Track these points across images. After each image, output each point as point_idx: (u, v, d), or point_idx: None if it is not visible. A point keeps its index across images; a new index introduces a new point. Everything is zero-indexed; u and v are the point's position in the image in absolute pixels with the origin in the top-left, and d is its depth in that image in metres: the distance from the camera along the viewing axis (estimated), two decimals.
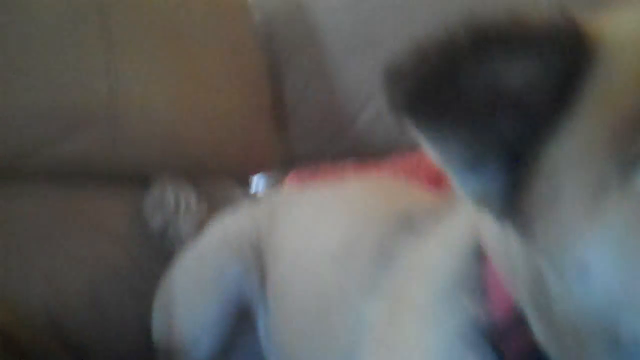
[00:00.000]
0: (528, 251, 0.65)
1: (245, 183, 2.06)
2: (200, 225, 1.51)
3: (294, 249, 1.23)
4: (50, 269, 1.47)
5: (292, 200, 1.39)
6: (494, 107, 0.58)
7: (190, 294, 1.32)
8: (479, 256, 0.76)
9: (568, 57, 0.57)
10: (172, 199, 1.60)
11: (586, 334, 0.61)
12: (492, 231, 0.72)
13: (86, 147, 1.58)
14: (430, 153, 0.60)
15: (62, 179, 1.58)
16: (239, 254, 1.28)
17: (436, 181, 1.38)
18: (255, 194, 2.08)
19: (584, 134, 0.56)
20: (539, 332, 0.67)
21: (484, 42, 0.56)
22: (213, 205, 1.62)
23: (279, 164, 2.13)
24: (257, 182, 2.17)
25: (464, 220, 0.86)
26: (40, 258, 1.47)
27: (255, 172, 2.10)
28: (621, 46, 0.57)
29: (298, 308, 1.15)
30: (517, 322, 0.69)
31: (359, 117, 2.18)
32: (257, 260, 1.27)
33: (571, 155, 0.57)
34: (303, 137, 2.21)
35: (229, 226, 1.39)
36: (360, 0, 2.21)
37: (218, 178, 1.85)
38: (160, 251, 1.57)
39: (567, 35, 0.57)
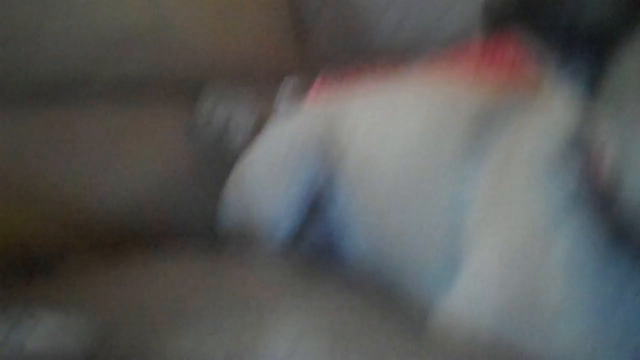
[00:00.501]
0: (615, 124, 0.79)
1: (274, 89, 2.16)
2: (258, 124, 1.68)
3: (371, 135, 1.38)
4: (121, 177, 1.63)
5: (351, 94, 1.54)
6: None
7: (266, 189, 1.48)
8: (581, 126, 0.90)
9: None
10: (229, 101, 1.75)
11: None
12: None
13: (139, 67, 1.72)
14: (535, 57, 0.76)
15: (122, 99, 1.71)
16: (308, 149, 1.44)
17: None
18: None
19: None
20: (628, 194, 0.80)
21: None
22: (262, 116, 1.75)
23: (304, 68, 2.20)
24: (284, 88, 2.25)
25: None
26: (117, 167, 1.63)
27: (283, 76, 2.18)
28: None
29: (385, 188, 1.30)
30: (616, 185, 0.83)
31: (382, 17, 2.22)
32: (327, 149, 1.42)
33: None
34: (326, 47, 2.30)
35: (293, 126, 1.54)
36: None
37: (261, 85, 1.97)
38: (217, 156, 1.72)
39: None
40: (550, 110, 1.00)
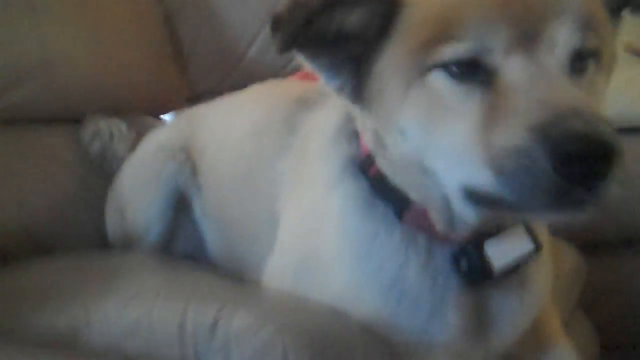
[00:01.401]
0: (370, 120, 1.04)
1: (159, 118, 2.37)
2: (132, 147, 1.83)
3: (217, 137, 1.57)
4: (19, 193, 1.75)
5: (207, 107, 1.74)
6: (344, 40, 0.95)
7: (137, 192, 1.63)
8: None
9: (384, 6, 0.94)
10: (106, 129, 1.92)
11: (406, 165, 0.99)
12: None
13: (29, 96, 1.87)
14: (308, 67, 0.99)
15: (15, 124, 1.87)
16: (171, 154, 1.60)
17: None
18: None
19: (399, 52, 0.94)
20: (383, 164, 1.06)
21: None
22: (140, 133, 1.92)
23: (184, 101, 2.44)
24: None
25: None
26: (10, 186, 1.75)
27: (165, 110, 2.39)
28: (415, 4, 0.94)
29: (227, 179, 1.49)
30: (372, 158, 1.08)
31: (247, 53, 2.55)
32: (186, 156, 1.60)
33: (392, 63, 0.95)
34: (203, 75, 2.55)
35: (160, 135, 1.72)
36: None
37: (137, 115, 2.17)
38: (103, 171, 1.89)
39: None
40: (330, 107, 1.25)
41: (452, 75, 0.89)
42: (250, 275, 1.33)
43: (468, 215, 0.98)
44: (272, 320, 0.96)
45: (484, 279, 1.07)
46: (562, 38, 0.89)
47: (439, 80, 0.90)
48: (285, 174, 1.29)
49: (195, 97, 2.47)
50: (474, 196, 0.91)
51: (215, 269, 1.54)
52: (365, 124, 1.07)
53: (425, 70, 0.91)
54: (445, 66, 0.90)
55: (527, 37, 0.88)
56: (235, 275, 1.41)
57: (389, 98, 0.96)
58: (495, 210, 0.93)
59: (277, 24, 0.94)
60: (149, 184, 1.60)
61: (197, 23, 2.52)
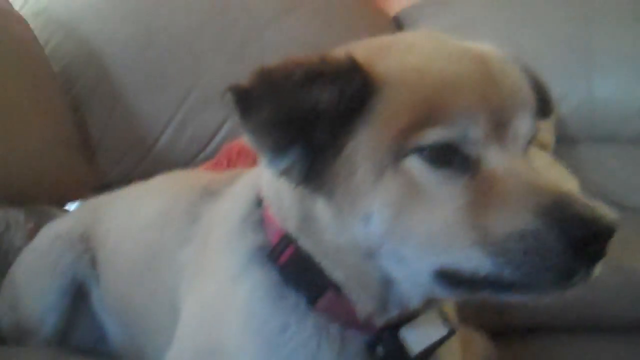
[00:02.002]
0: (301, 201, 1.00)
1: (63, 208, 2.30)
2: (29, 238, 1.76)
3: (119, 226, 1.52)
4: None
5: (112, 196, 1.69)
6: (312, 120, 0.90)
7: (32, 282, 1.56)
8: (257, 203, 1.12)
9: (353, 87, 0.91)
10: (1, 219, 1.84)
11: (348, 251, 0.97)
12: (271, 189, 1.08)
13: None
14: (254, 145, 0.93)
15: None
16: (69, 244, 1.54)
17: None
18: None
19: (374, 135, 0.92)
20: (308, 246, 1.02)
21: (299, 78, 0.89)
22: (38, 223, 1.86)
23: (92, 190, 2.36)
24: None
25: (245, 182, 1.22)
26: None
27: (71, 198, 2.33)
28: (394, 83, 0.92)
29: (128, 270, 1.44)
30: (286, 244, 1.05)
31: (157, 143, 2.54)
32: (86, 246, 1.54)
33: (364, 148, 0.92)
34: (111, 164, 2.51)
35: (59, 225, 1.65)
36: (149, 43, 2.57)
37: (40, 204, 2.10)
38: None
39: (350, 73, 0.92)
40: (233, 197, 1.22)
41: (429, 160, 0.90)
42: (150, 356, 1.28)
43: (440, 295, 0.98)
44: None
45: None
46: (525, 128, 0.95)
47: (415, 165, 0.90)
48: (186, 265, 1.25)
49: (103, 186, 2.38)
50: (451, 278, 0.90)
51: None
52: (292, 207, 1.04)
53: (400, 154, 0.90)
54: (420, 152, 0.90)
55: (499, 128, 0.92)
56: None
57: (358, 182, 0.93)
58: (473, 291, 0.92)
59: (253, 99, 0.91)
60: (45, 273, 1.54)
61: (106, 111, 2.51)
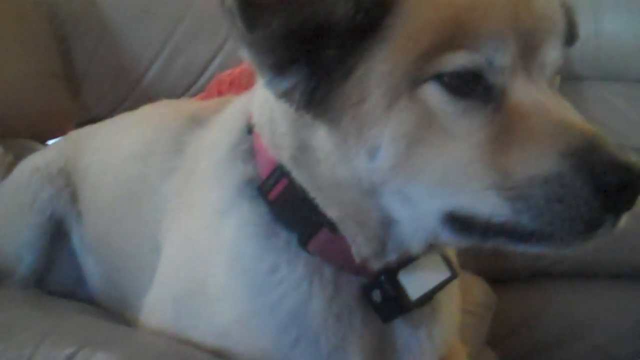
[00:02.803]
0: (298, 128, 0.92)
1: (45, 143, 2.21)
2: (8, 171, 1.65)
3: (101, 159, 1.43)
4: None
5: (95, 127, 1.60)
6: (321, 37, 0.80)
7: (8, 220, 1.48)
8: (248, 132, 1.03)
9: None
10: None
11: (347, 186, 0.89)
12: (263, 115, 0.99)
13: None
14: (254, 63, 0.83)
15: None
16: (48, 178, 1.45)
17: None
18: None
19: (390, 59, 0.82)
20: (303, 179, 0.94)
21: None
22: (18, 156, 1.77)
23: (76, 126, 2.29)
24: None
25: (235, 109, 1.13)
26: None
27: (54, 134, 2.24)
28: (417, 1, 0.82)
29: (109, 205, 1.35)
30: (278, 177, 0.96)
31: (146, 75, 2.43)
32: (66, 181, 1.45)
33: (378, 71, 0.82)
34: (98, 98, 2.42)
35: (38, 158, 1.56)
36: None
37: (21, 138, 2.01)
38: None
39: None
40: (222, 124, 1.13)
41: (449, 89, 0.81)
42: (132, 313, 1.21)
43: (445, 241, 0.91)
44: None
45: (399, 311, 0.99)
46: (554, 56, 0.87)
47: (434, 94, 0.82)
48: (170, 198, 1.17)
49: (88, 121, 2.28)
50: (461, 223, 0.84)
51: (94, 305, 1.40)
52: (286, 135, 0.95)
53: (418, 81, 0.82)
54: (441, 78, 0.81)
55: (526, 55, 0.84)
56: (116, 313, 1.30)
57: (368, 110, 0.84)
58: (485, 238, 0.85)
59: (261, 8, 0.79)
60: (22, 210, 1.45)
61: (92, 41, 2.40)
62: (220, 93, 1.99)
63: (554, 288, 2.05)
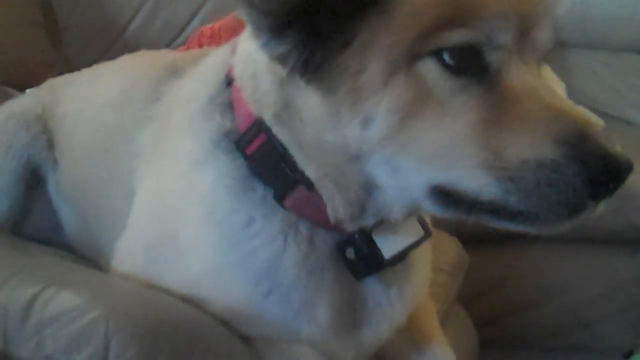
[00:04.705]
0: (284, 86, 0.91)
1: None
2: None
3: (77, 106, 1.42)
4: None
5: (73, 75, 1.59)
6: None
7: None
8: (227, 84, 1.02)
9: None
10: None
11: (332, 149, 0.89)
12: (247, 69, 0.98)
13: None
14: (251, 24, 0.84)
15: None
16: (25, 124, 1.44)
17: None
18: None
19: (391, 33, 0.82)
20: (283, 137, 0.93)
21: None
22: None
23: (57, 76, 2.29)
24: None
25: (214, 60, 1.12)
26: None
27: (33, 83, 2.21)
28: None
29: (84, 152, 1.35)
30: (257, 132, 0.96)
31: (128, 28, 2.40)
32: (43, 128, 1.44)
33: (378, 44, 0.82)
34: (79, 49, 2.39)
35: (15, 104, 1.54)
36: None
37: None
38: None
39: None
40: (201, 74, 1.12)
41: (447, 65, 0.82)
42: (106, 259, 1.20)
43: (428, 211, 0.93)
44: (98, 305, 0.82)
45: (372, 269, 1.00)
46: (546, 38, 0.88)
47: (431, 69, 0.82)
48: (145, 147, 1.17)
49: (70, 72, 2.30)
50: (448, 197, 0.85)
51: (69, 252, 1.40)
52: (270, 92, 0.94)
53: (417, 56, 0.82)
54: (439, 55, 0.81)
55: (521, 37, 0.85)
56: (92, 260, 1.30)
57: (365, 81, 0.84)
58: (470, 213, 0.86)
59: None
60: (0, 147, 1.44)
61: None
62: (201, 46, 1.98)
63: (527, 250, 2.07)
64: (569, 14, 2.83)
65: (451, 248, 1.64)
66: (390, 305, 1.05)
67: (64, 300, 0.83)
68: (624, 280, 2.10)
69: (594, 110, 2.57)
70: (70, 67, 2.32)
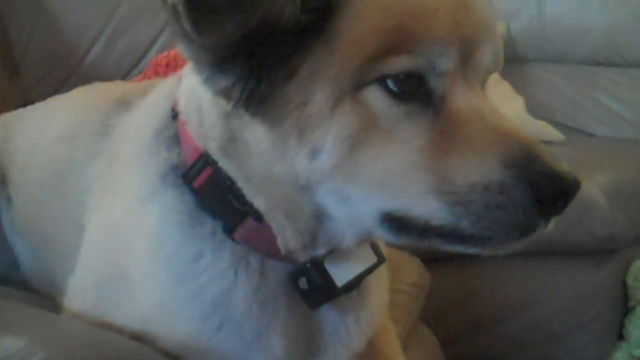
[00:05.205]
0: (228, 119, 0.91)
1: None
2: None
3: (29, 141, 1.41)
4: None
5: (26, 110, 1.58)
6: (264, 35, 0.79)
7: None
8: (173, 117, 1.01)
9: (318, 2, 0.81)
10: None
11: (281, 181, 0.88)
12: (190, 103, 0.97)
13: None
14: (192, 60, 0.83)
15: None
16: None
17: None
18: None
19: (335, 62, 0.82)
20: (230, 170, 0.93)
21: None
22: None
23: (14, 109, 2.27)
24: None
25: (160, 92, 1.11)
26: None
27: None
28: (363, 6, 0.82)
29: (36, 188, 1.34)
30: (203, 165, 0.95)
31: (86, 58, 2.40)
32: None
33: (322, 74, 0.82)
34: (35, 81, 2.37)
35: None
36: None
37: None
38: None
39: None
40: (148, 108, 1.11)
41: (391, 92, 0.82)
42: (62, 296, 1.17)
43: (380, 238, 0.95)
44: (41, 348, 0.80)
45: (326, 298, 1.00)
46: (489, 60, 0.89)
47: (376, 97, 0.82)
48: (95, 181, 1.15)
49: (27, 104, 2.28)
50: (399, 224, 0.85)
51: (25, 291, 1.39)
52: (215, 126, 0.94)
53: (361, 84, 0.82)
54: (383, 82, 0.82)
55: (463, 61, 0.86)
56: (48, 297, 1.28)
57: (311, 112, 0.84)
58: (422, 239, 0.86)
59: (212, 9, 0.75)
60: None
61: (30, 21, 2.35)
62: (157, 75, 1.97)
63: (491, 266, 2.08)
64: (526, 29, 2.88)
65: (412, 268, 1.64)
66: (347, 333, 1.05)
67: (6, 344, 0.82)
68: (589, 292, 2.11)
69: (554, 122, 2.63)
70: (27, 99, 2.32)
